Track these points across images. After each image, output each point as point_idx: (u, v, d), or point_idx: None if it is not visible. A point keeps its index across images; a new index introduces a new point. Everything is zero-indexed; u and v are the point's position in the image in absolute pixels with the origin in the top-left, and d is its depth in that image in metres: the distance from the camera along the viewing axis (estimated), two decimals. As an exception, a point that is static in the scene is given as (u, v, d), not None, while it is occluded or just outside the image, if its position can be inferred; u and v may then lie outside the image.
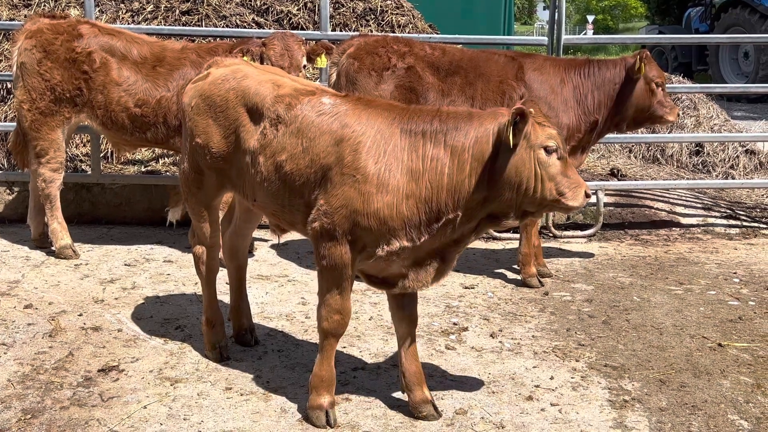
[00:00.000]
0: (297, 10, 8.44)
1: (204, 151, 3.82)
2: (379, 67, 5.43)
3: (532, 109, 3.20)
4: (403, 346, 3.68)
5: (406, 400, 3.69)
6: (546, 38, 6.99)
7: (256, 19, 8.25)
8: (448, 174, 3.26)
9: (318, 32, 7.10)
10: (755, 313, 5.09)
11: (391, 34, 6.15)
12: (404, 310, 3.66)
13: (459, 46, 6.58)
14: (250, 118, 3.65)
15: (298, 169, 3.46)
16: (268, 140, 3.56)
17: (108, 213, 6.98)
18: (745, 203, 7.88)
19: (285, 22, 8.34)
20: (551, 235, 6.83)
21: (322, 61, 5.74)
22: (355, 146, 3.32)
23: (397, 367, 3.80)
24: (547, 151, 3.24)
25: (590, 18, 50.95)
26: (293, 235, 5.92)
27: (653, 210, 7.30)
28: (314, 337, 4.51)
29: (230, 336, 4.40)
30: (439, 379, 4.03)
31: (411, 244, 3.35)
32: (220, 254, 4.31)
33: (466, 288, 5.48)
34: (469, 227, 3.39)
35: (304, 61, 5.59)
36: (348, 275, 3.45)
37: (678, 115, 5.63)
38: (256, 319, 4.61)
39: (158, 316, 4.81)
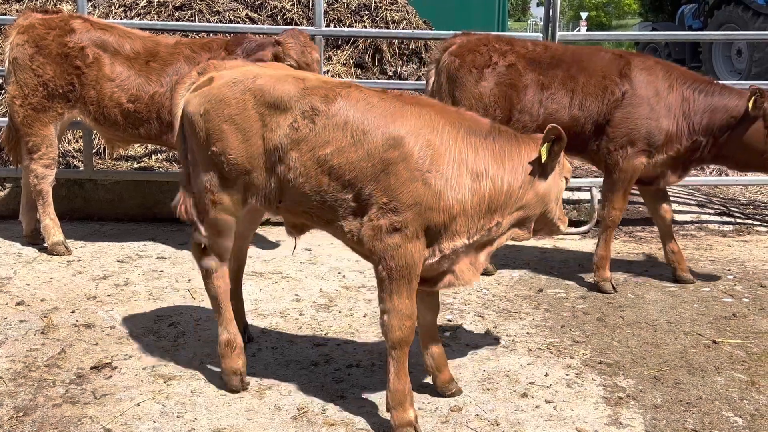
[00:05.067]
0: (291, 5, 8.42)
1: (220, 159, 3.59)
2: (480, 65, 5.42)
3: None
4: (428, 332, 3.78)
5: (430, 382, 3.82)
6: (540, 35, 6.98)
7: (249, 14, 8.23)
8: (508, 181, 3.44)
9: (312, 28, 7.08)
10: (749, 309, 5.09)
11: (494, 33, 6.05)
12: (431, 299, 3.75)
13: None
14: (275, 116, 3.48)
15: (348, 162, 3.37)
16: (302, 134, 3.42)
17: (100, 209, 6.95)
18: (739, 200, 7.90)
19: (279, 17, 8.32)
20: (545, 231, 6.82)
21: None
22: (425, 143, 3.33)
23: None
24: (566, 181, 3.65)
25: (584, 15, 51.10)
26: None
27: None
28: (308, 333, 4.51)
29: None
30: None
31: (468, 242, 3.44)
32: None
33: (460, 285, 5.47)
34: (503, 232, 3.57)
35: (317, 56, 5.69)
36: (416, 275, 3.37)
37: None
38: (249, 317, 4.59)
39: (151, 313, 4.78)
